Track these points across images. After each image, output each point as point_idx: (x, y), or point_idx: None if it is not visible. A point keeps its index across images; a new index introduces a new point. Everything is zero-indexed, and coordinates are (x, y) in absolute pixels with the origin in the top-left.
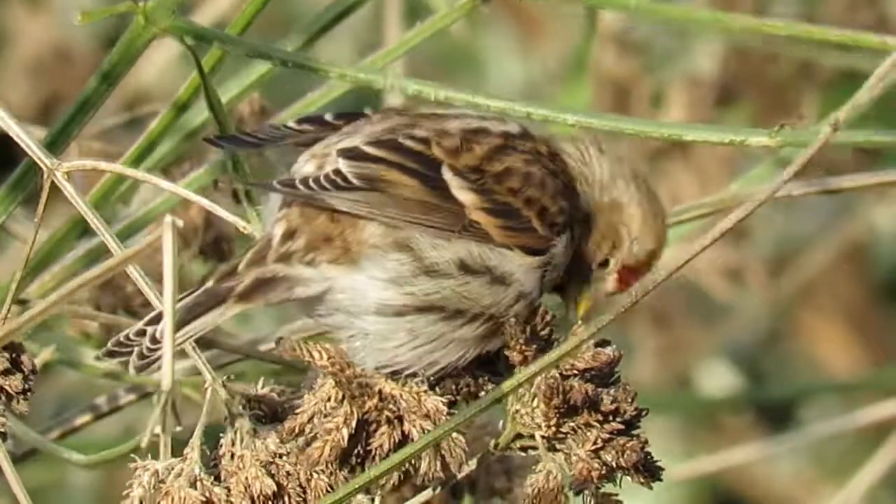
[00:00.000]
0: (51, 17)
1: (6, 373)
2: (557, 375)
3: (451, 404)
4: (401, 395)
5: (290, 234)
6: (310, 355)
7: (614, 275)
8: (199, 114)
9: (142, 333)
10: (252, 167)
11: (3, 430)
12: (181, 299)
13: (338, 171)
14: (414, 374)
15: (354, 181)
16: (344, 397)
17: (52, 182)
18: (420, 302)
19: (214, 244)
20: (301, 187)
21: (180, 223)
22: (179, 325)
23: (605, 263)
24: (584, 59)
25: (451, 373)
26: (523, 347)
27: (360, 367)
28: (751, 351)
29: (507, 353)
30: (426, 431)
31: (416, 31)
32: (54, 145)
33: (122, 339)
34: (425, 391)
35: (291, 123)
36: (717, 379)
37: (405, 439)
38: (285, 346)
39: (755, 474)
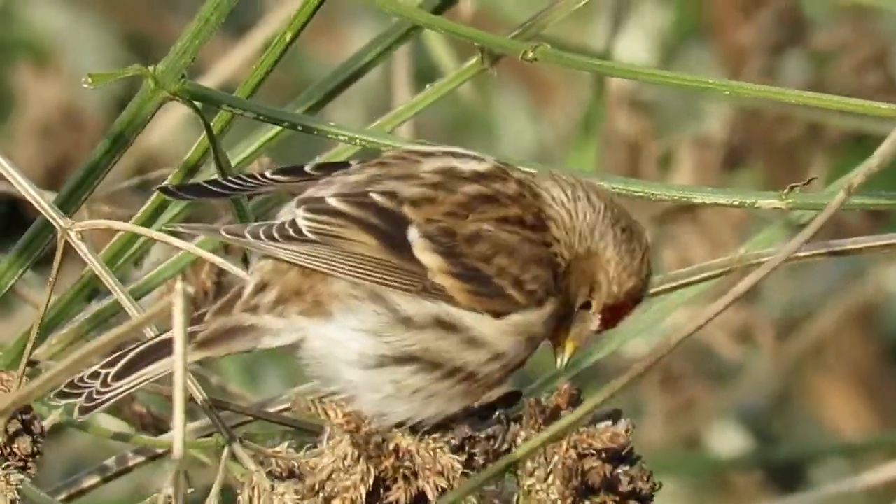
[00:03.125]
0: (60, 80)
1: (16, 436)
2: (575, 455)
3: (468, 460)
4: (417, 452)
5: (262, 287)
6: (325, 414)
7: (598, 315)
8: (209, 177)
9: (95, 376)
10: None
11: (16, 496)
12: (141, 344)
13: (293, 223)
14: (401, 424)
15: (307, 234)
16: (360, 455)
17: (63, 244)
18: (398, 353)
19: None
20: (248, 236)
21: (191, 289)
22: (132, 369)
23: (586, 305)
24: (594, 121)
25: (449, 424)
26: (541, 426)
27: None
28: (760, 412)
29: (523, 431)
30: (439, 488)
31: (425, 95)
32: (63, 208)
33: (75, 380)
34: (441, 448)
35: (268, 173)
36: (727, 440)
37: (421, 495)
38: (300, 405)
39: None
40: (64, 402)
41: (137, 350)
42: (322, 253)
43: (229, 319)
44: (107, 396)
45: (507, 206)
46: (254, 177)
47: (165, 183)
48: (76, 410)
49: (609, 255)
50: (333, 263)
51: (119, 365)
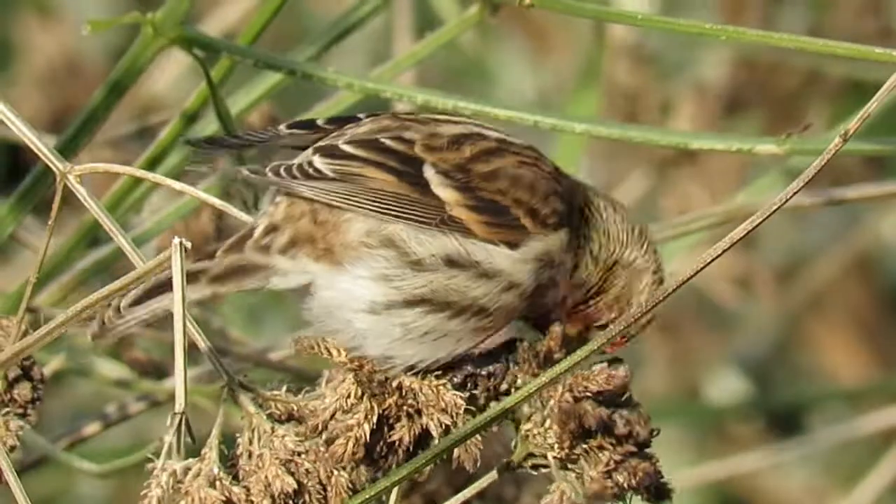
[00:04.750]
0: (62, 28)
1: (16, 382)
2: (571, 399)
3: (471, 397)
4: (420, 389)
5: (273, 229)
6: (328, 352)
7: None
8: (209, 124)
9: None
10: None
11: (16, 442)
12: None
13: (310, 163)
14: (412, 367)
15: (328, 173)
16: (363, 394)
17: (64, 190)
18: (408, 296)
19: None
20: (270, 175)
21: (188, 245)
22: (146, 299)
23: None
24: (594, 70)
25: (452, 364)
26: (535, 370)
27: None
28: (760, 359)
29: (518, 374)
30: (443, 425)
31: (425, 43)
32: (63, 154)
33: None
34: (444, 385)
35: (283, 128)
36: (726, 387)
37: (425, 432)
38: (303, 345)
39: (764, 482)
40: (80, 327)
41: (152, 281)
42: (343, 189)
43: (241, 257)
44: (120, 324)
45: (536, 165)
46: (272, 131)
47: (190, 136)
48: (87, 335)
49: (648, 279)
50: (355, 199)
51: (133, 295)
